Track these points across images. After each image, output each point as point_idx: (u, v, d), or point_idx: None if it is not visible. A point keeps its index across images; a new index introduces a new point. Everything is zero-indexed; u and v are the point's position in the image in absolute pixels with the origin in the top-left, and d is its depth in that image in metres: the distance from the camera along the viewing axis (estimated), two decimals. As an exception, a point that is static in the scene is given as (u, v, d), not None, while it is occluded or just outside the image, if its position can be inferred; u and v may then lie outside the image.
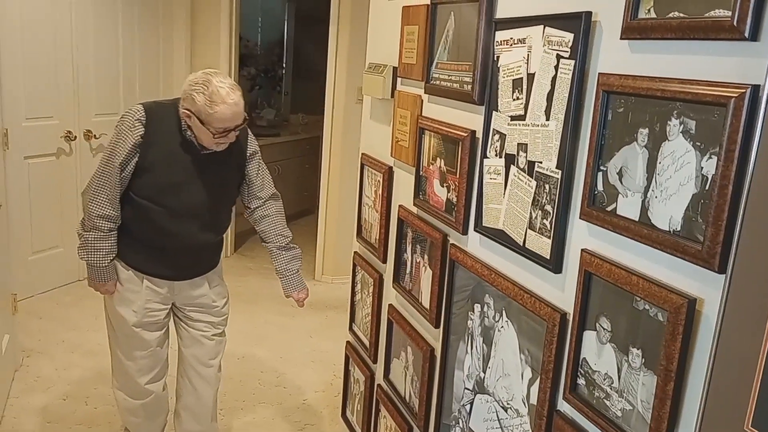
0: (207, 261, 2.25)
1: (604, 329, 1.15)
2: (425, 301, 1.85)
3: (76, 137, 4.04)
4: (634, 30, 1.07)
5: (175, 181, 2.05)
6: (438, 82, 1.74)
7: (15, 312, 3.17)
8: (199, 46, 4.71)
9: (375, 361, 2.27)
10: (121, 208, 2.07)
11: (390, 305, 2.12)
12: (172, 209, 2.06)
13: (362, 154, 2.36)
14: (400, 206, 2.02)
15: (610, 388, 1.14)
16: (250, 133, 2.21)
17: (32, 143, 3.79)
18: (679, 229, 0.99)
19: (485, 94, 1.51)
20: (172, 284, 2.19)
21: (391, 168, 2.10)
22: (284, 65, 6.82)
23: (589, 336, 1.19)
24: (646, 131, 1.04)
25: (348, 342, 2.55)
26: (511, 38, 1.40)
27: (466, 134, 1.59)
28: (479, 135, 1.55)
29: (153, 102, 2.11)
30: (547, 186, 1.29)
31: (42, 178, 3.90)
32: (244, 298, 4.13)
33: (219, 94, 1.91)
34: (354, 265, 2.44)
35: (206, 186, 2.09)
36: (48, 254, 4.03)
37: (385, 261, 2.16)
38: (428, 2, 1.78)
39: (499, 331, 1.49)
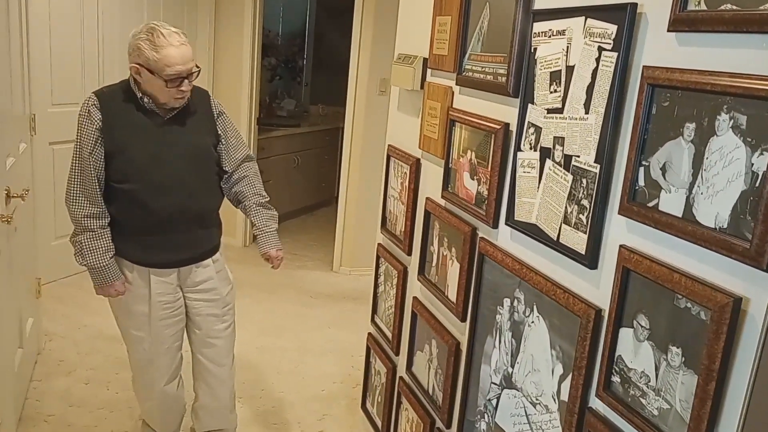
0: (206, 239, 2.22)
1: (641, 327, 1.14)
2: (452, 294, 1.84)
3: (100, 124, 4.07)
4: (682, 22, 1.04)
5: (149, 153, 2.04)
6: (470, 74, 1.72)
7: (39, 296, 3.20)
8: (222, 36, 4.72)
9: (397, 354, 2.27)
10: (107, 205, 2.07)
11: (414, 298, 2.11)
12: (155, 184, 2.05)
13: (388, 145, 2.35)
14: (427, 198, 2.01)
15: (647, 387, 1.12)
16: (212, 95, 2.25)
17: (57, 129, 3.82)
18: (725, 226, 0.97)
19: (520, 87, 1.49)
20: (178, 272, 2.18)
21: (418, 160, 2.09)
22: (305, 56, 6.81)
23: (625, 333, 1.18)
24: (692, 126, 1.02)
25: (369, 333, 2.55)
26: (550, 30, 1.38)
27: (499, 127, 1.57)
28: (513, 128, 1.53)
29: (103, 87, 2.15)
30: (584, 180, 1.27)
31: (66, 164, 3.88)
32: (263, 288, 4.15)
33: (163, 37, 1.94)
34: (377, 257, 2.43)
35: (181, 152, 2.08)
36: (71, 240, 4.06)
37: (410, 253, 2.15)
38: (462, -7, 1.76)
39: (529, 326, 1.48)
